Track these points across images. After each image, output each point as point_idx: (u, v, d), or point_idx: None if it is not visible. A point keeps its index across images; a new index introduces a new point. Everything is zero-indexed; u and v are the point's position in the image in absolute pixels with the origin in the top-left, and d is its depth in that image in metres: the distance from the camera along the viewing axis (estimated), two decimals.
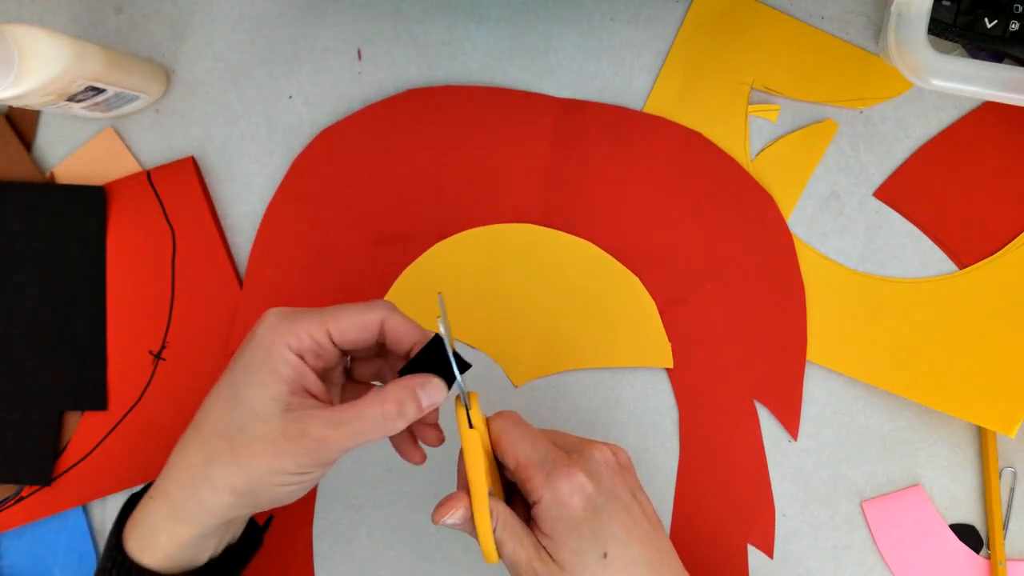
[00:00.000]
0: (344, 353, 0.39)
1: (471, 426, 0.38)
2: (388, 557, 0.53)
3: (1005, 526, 0.52)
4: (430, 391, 0.37)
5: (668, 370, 0.52)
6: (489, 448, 0.39)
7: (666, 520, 0.52)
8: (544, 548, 0.37)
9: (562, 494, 0.37)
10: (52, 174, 0.53)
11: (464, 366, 0.38)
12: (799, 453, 0.53)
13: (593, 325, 0.52)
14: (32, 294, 0.52)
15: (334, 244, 0.52)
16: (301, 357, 0.36)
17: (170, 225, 0.52)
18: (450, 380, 0.38)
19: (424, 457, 0.41)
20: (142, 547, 0.38)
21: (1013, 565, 0.52)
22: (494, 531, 0.38)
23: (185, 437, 0.38)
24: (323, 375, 0.38)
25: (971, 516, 0.53)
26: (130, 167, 0.53)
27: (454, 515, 0.38)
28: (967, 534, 0.52)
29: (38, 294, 0.52)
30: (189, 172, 0.52)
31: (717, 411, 0.52)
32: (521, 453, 0.38)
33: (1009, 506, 0.52)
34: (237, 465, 0.35)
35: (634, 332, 0.52)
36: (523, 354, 0.52)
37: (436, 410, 0.39)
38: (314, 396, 0.37)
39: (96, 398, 0.52)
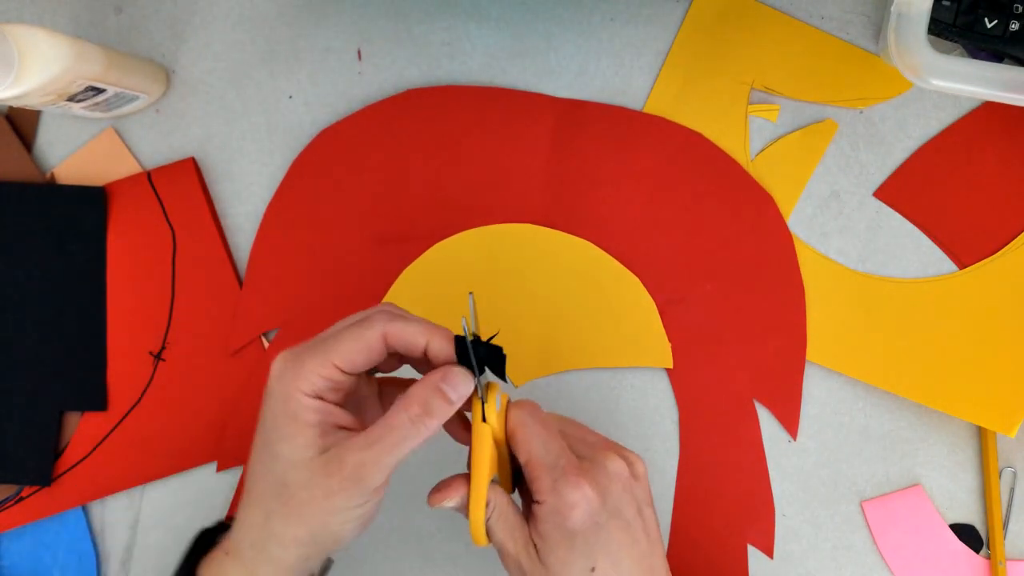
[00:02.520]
0: (359, 374, 0.38)
1: (484, 420, 0.37)
2: (388, 557, 0.53)
3: (1005, 526, 0.52)
4: (454, 382, 0.36)
5: (668, 370, 0.52)
6: (503, 436, 0.38)
7: (666, 520, 0.52)
8: (535, 545, 0.37)
9: (565, 504, 0.36)
10: (52, 174, 0.53)
11: (498, 359, 0.37)
12: (799, 453, 0.53)
13: (593, 325, 0.52)
14: (32, 294, 0.52)
15: (334, 244, 0.52)
16: (319, 397, 0.36)
17: (170, 225, 0.52)
18: (488, 371, 0.37)
19: None
20: None
21: (1013, 565, 0.52)
22: (487, 520, 0.38)
23: (242, 500, 0.38)
24: (348, 401, 0.38)
25: (971, 516, 0.53)
26: (130, 167, 0.53)
27: (450, 501, 0.38)
28: (967, 534, 0.52)
29: (38, 294, 0.52)
30: (189, 172, 0.52)
31: (717, 411, 0.52)
32: (534, 451, 0.38)
33: (1009, 506, 0.52)
34: (293, 517, 0.35)
35: (634, 332, 0.52)
36: (523, 354, 0.52)
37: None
38: (345, 428, 0.37)
39: (96, 398, 0.52)
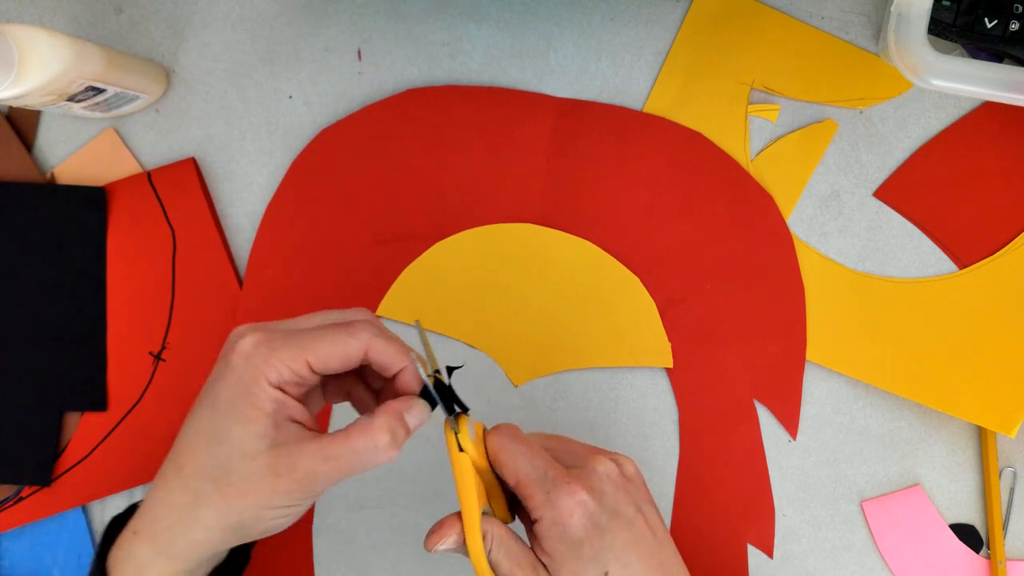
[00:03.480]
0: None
1: (461, 450, 0.37)
2: (388, 557, 0.53)
3: (1005, 526, 0.52)
4: (416, 413, 0.36)
5: (668, 370, 0.52)
6: (485, 463, 0.38)
7: (666, 520, 0.52)
8: (544, 566, 0.37)
9: (562, 513, 0.36)
10: (53, 175, 0.53)
11: (453, 400, 0.37)
12: (799, 453, 0.53)
13: (593, 325, 0.52)
14: (32, 294, 0.52)
15: (334, 244, 0.52)
16: (281, 389, 0.35)
17: (170, 226, 0.52)
18: (444, 405, 0.37)
19: None
20: None
21: (1013, 565, 0.52)
22: (489, 552, 0.37)
23: (165, 475, 0.36)
24: (303, 397, 0.37)
25: (971, 516, 0.53)
26: (130, 168, 0.53)
27: (446, 542, 0.37)
28: (967, 534, 0.52)
29: (38, 294, 0.52)
30: (190, 173, 0.52)
31: (717, 411, 0.52)
32: (520, 471, 0.37)
33: (1009, 506, 0.52)
34: (227, 505, 0.35)
35: (634, 332, 0.52)
36: (523, 354, 0.52)
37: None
38: (298, 422, 0.36)
39: (96, 399, 0.52)
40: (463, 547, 0.37)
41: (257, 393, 0.35)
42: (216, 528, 0.35)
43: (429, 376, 0.37)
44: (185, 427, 0.37)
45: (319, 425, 0.37)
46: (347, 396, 0.41)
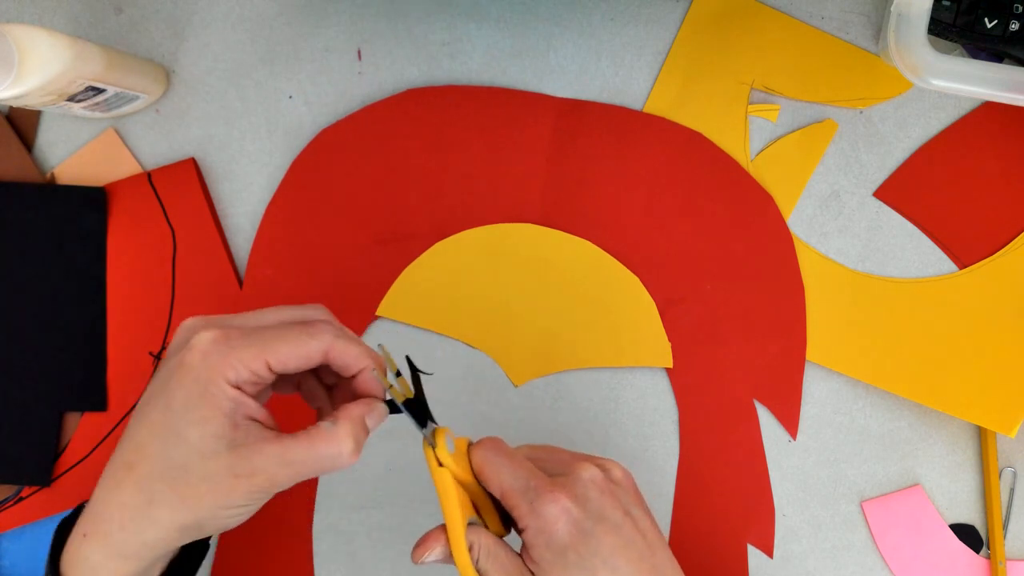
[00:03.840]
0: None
1: (440, 464, 0.37)
2: (388, 557, 0.53)
3: (1005, 526, 0.52)
4: (376, 416, 0.37)
5: (668, 370, 0.52)
6: (471, 477, 0.38)
7: (666, 520, 0.52)
8: (532, 574, 0.37)
9: (547, 521, 0.36)
10: (53, 175, 0.53)
11: (425, 414, 0.37)
12: (799, 453, 0.53)
13: (593, 325, 0.52)
14: (32, 295, 0.52)
15: (334, 244, 0.52)
16: (239, 388, 0.35)
17: (170, 226, 0.52)
18: (417, 419, 0.37)
19: None
20: None
21: (1013, 565, 0.52)
22: (476, 562, 0.37)
23: (114, 474, 0.35)
24: (258, 394, 0.37)
25: (971, 516, 0.53)
26: (131, 168, 0.53)
27: (432, 553, 0.37)
28: (967, 534, 0.52)
29: (38, 295, 0.52)
30: (190, 173, 0.52)
31: (717, 411, 0.52)
32: (504, 483, 0.37)
33: (1009, 506, 0.52)
34: (183, 505, 0.34)
35: (634, 332, 0.52)
36: (523, 354, 0.52)
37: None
38: (257, 421, 0.36)
39: (96, 399, 0.52)
40: (450, 558, 0.37)
41: (215, 393, 0.34)
42: (171, 528, 0.35)
43: (391, 387, 0.37)
44: (135, 425, 0.36)
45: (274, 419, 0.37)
46: (296, 388, 0.40)
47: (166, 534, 0.35)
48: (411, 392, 0.38)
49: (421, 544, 0.38)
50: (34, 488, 0.52)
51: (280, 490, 0.35)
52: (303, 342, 0.35)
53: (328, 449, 0.35)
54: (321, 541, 0.53)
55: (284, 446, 0.34)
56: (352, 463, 0.36)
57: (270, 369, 0.35)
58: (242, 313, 0.37)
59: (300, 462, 0.34)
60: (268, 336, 0.35)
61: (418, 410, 0.37)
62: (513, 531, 0.40)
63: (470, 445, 0.39)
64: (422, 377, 0.38)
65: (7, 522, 0.52)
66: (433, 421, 0.38)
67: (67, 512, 0.39)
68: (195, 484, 0.34)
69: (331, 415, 0.36)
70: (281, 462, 0.34)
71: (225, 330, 0.35)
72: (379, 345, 0.38)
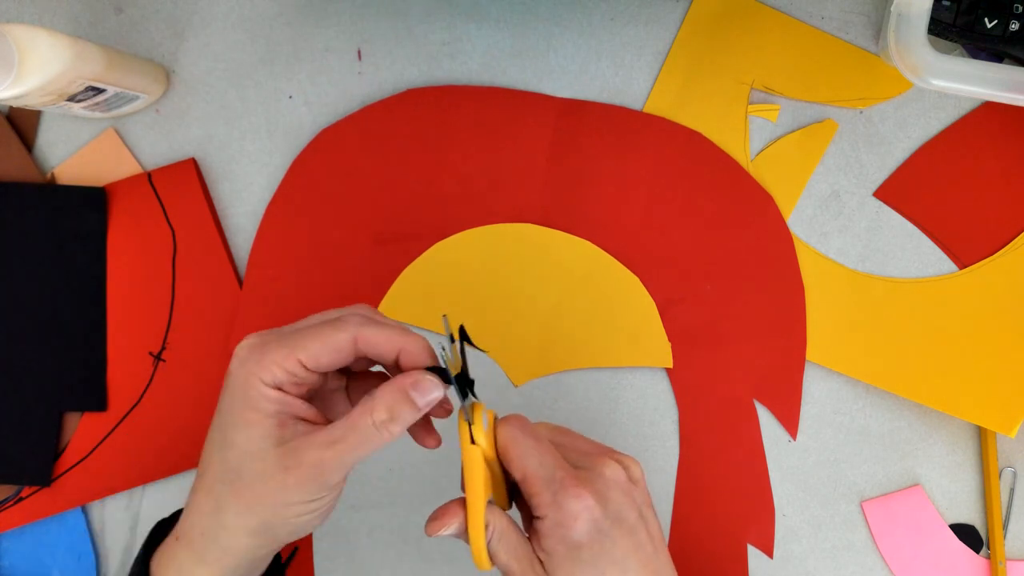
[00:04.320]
0: (326, 373, 0.38)
1: (473, 442, 0.37)
2: (388, 557, 0.53)
3: (1005, 526, 0.52)
4: (424, 388, 0.36)
5: (668, 370, 0.52)
6: (493, 454, 0.38)
7: (666, 520, 0.52)
8: (540, 561, 0.37)
9: (567, 516, 0.36)
10: (53, 175, 0.53)
11: (467, 381, 0.37)
12: (799, 453, 0.53)
13: (593, 325, 0.52)
14: (33, 295, 0.52)
15: (334, 244, 0.52)
16: (279, 388, 0.35)
17: (170, 226, 0.52)
18: (459, 388, 0.37)
19: (439, 441, 0.40)
20: None
21: (1013, 565, 0.52)
22: (488, 543, 0.37)
23: (195, 482, 0.37)
24: (314, 395, 0.38)
25: (971, 516, 0.53)
26: (131, 168, 0.53)
27: (448, 528, 0.37)
28: (967, 534, 0.52)
29: (39, 295, 0.52)
30: (190, 173, 0.52)
31: (717, 411, 0.52)
32: (529, 467, 0.37)
33: (1009, 506, 0.52)
34: (245, 506, 0.35)
35: (634, 332, 0.52)
36: (523, 354, 0.52)
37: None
38: (305, 419, 0.36)
39: (96, 399, 0.52)
40: (464, 534, 0.38)
41: (254, 396, 0.35)
42: (240, 532, 0.35)
43: (445, 357, 0.36)
44: (206, 438, 0.37)
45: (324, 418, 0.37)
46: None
47: (237, 539, 0.36)
48: (458, 367, 0.37)
49: (438, 517, 0.37)
50: (34, 488, 0.52)
51: (335, 478, 0.35)
52: (328, 336, 0.36)
53: (362, 420, 0.35)
54: (321, 541, 0.53)
55: (327, 430, 0.35)
56: (396, 435, 0.35)
57: (305, 367, 0.35)
58: (290, 324, 0.38)
59: (340, 439, 0.35)
60: (299, 336, 0.36)
61: (462, 382, 0.37)
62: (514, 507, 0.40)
63: (496, 420, 0.38)
64: (468, 352, 0.37)
65: (7, 522, 0.52)
66: (474, 395, 0.37)
67: (166, 516, 0.40)
68: (250, 484, 0.35)
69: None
70: (324, 444, 0.35)
71: (263, 337, 0.36)
72: (443, 316, 0.37)
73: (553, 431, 0.41)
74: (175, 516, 0.39)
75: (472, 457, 0.37)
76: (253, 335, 0.37)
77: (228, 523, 0.35)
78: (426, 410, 0.36)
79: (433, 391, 0.36)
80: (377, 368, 0.40)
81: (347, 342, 0.36)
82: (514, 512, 0.39)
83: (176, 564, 0.37)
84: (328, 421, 0.37)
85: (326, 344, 0.36)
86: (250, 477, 0.35)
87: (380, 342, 0.36)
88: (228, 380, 0.36)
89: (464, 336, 0.37)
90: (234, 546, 0.36)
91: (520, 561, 0.37)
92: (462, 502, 0.37)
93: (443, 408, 0.39)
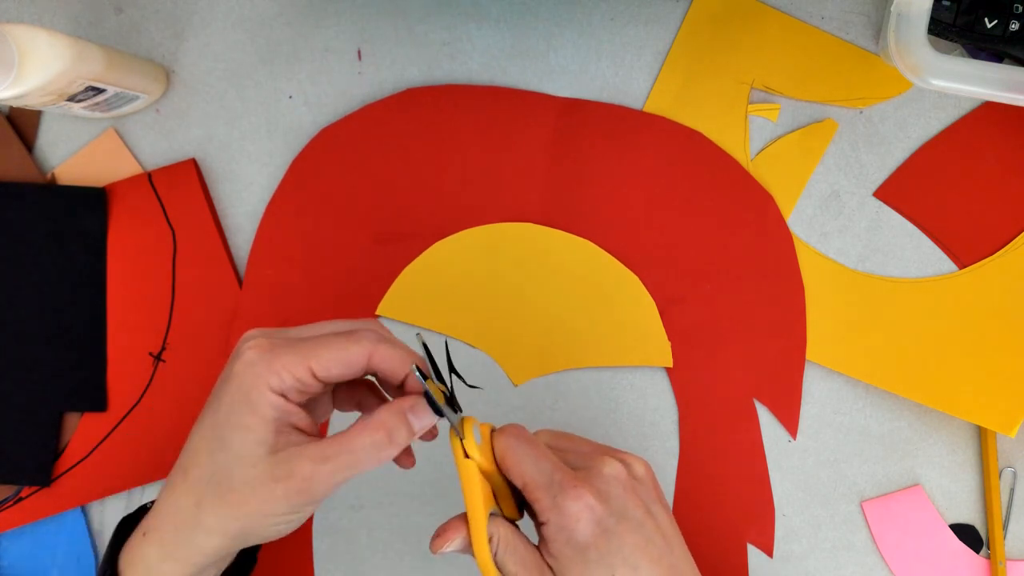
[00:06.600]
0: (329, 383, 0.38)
1: (467, 456, 0.37)
2: (388, 557, 0.53)
3: (1005, 526, 0.52)
4: (421, 413, 0.36)
5: (668, 369, 0.52)
6: (492, 465, 0.38)
7: None
8: (550, 567, 0.37)
9: (569, 518, 0.36)
10: (53, 175, 0.53)
11: (454, 405, 0.37)
12: (799, 453, 0.53)
13: (593, 325, 0.52)
14: (33, 295, 0.52)
15: (334, 244, 0.52)
16: (283, 395, 0.35)
17: (171, 226, 0.52)
18: (449, 404, 0.37)
19: (414, 462, 0.40)
20: None
21: (1013, 565, 0.52)
22: (495, 555, 0.37)
23: (173, 477, 0.36)
24: (307, 404, 0.37)
25: (971, 516, 0.53)
26: (131, 168, 0.53)
27: (452, 544, 0.37)
28: (967, 534, 0.52)
29: (39, 295, 0.52)
30: (190, 174, 0.52)
31: (717, 411, 0.52)
32: (527, 474, 0.37)
33: (1009, 506, 0.52)
34: (228, 511, 0.35)
35: (634, 332, 0.52)
36: (523, 353, 0.52)
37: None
38: (301, 430, 0.36)
39: (96, 399, 0.52)
40: (469, 549, 0.37)
41: (258, 399, 0.34)
42: (218, 533, 0.35)
43: (429, 381, 0.36)
44: (192, 432, 0.37)
45: (321, 433, 0.37)
46: (357, 406, 0.41)
47: (213, 540, 0.35)
48: (448, 390, 0.37)
49: (441, 535, 0.37)
50: (34, 488, 0.52)
51: (322, 494, 0.35)
52: (344, 347, 0.35)
53: (360, 440, 0.35)
54: (321, 541, 0.53)
55: (320, 445, 0.35)
56: (388, 456, 0.35)
57: (315, 376, 0.35)
58: (295, 327, 0.38)
59: (335, 456, 0.34)
60: (312, 344, 0.35)
61: (449, 400, 0.37)
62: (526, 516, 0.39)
63: (492, 431, 0.39)
64: (454, 367, 0.38)
65: (7, 522, 0.52)
66: (460, 410, 0.37)
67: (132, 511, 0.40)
68: (238, 489, 0.34)
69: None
70: (317, 459, 0.34)
71: (272, 340, 0.36)
72: (417, 334, 0.37)
73: (554, 436, 0.40)
74: (139, 512, 0.39)
75: (467, 471, 0.37)
76: (257, 333, 0.36)
77: (206, 524, 0.35)
78: (419, 434, 0.36)
79: (427, 417, 0.36)
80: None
81: (361, 356, 0.36)
82: (527, 524, 0.39)
83: (144, 561, 0.36)
84: (319, 432, 0.36)
85: (340, 356, 0.35)
86: (239, 482, 0.34)
87: (392, 362, 0.36)
88: (231, 380, 0.35)
89: (448, 356, 0.38)
90: (206, 546, 0.35)
91: (529, 569, 0.36)
92: (464, 517, 0.37)
93: (409, 460, 0.39)
